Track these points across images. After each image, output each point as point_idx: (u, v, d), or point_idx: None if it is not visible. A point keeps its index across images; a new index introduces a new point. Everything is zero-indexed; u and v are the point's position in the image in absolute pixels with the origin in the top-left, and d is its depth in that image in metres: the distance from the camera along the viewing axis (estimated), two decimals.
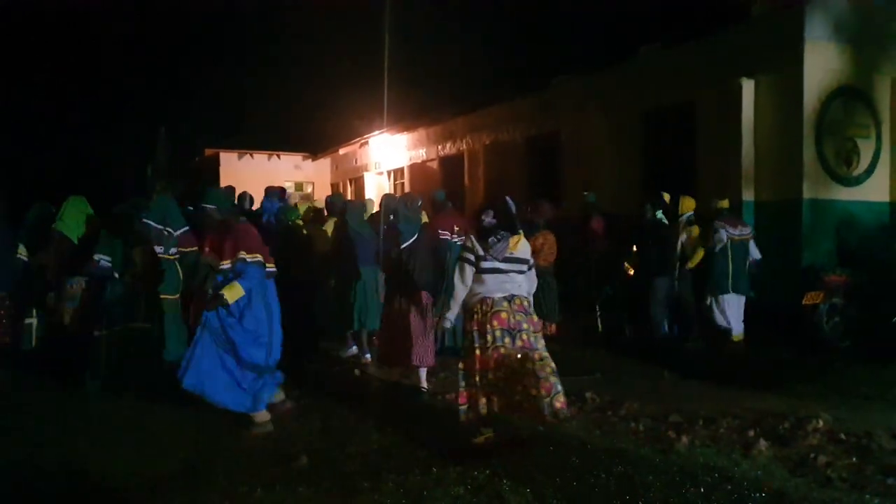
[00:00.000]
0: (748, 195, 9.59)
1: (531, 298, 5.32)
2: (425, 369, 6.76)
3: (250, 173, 20.54)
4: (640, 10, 13.71)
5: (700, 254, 8.61)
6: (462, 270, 5.14)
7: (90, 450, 5.17)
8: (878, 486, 4.32)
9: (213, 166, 22.18)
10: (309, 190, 23.01)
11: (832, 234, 9.33)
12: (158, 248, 7.03)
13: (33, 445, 5.35)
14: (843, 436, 5.20)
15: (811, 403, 6.09)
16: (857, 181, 9.57)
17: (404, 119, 18.41)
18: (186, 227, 7.37)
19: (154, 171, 11.39)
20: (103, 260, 6.84)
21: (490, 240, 5.11)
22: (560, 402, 4.82)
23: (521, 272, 5.20)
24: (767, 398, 6.34)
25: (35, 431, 5.69)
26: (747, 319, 8.86)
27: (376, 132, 19.44)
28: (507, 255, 5.11)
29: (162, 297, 7.06)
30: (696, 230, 8.68)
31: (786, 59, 9.27)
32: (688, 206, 8.86)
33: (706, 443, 5.12)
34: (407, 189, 18.53)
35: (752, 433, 5.29)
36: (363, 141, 20.44)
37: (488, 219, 5.20)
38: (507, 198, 5.34)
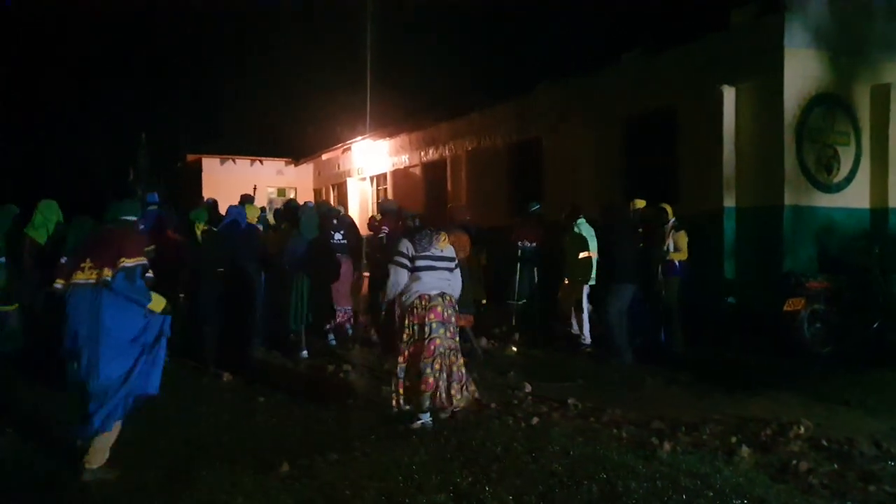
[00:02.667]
0: (729, 201, 9.63)
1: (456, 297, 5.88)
2: None
3: (233, 179, 20.42)
4: (621, 17, 13.77)
5: (682, 257, 8.64)
6: (396, 273, 5.66)
7: (68, 457, 5.08)
8: (859, 493, 4.34)
9: (196, 172, 22.05)
10: (291, 195, 22.89)
11: (813, 241, 9.39)
12: None
13: (9, 453, 5.27)
14: (824, 442, 5.23)
15: (793, 410, 6.10)
16: (838, 188, 9.64)
17: (387, 125, 18.39)
18: (143, 226, 7.82)
19: (136, 176, 11.43)
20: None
21: (420, 235, 5.70)
22: (472, 387, 5.75)
23: (449, 269, 5.76)
24: (749, 404, 6.35)
25: (14, 439, 5.60)
26: (729, 326, 8.93)
27: (359, 138, 19.38)
28: (438, 252, 5.68)
29: None
30: (682, 236, 8.70)
31: (766, 67, 9.33)
32: (671, 212, 8.91)
33: (689, 449, 5.11)
34: (390, 195, 18.49)
35: (734, 439, 5.30)
36: (346, 146, 20.37)
37: (417, 217, 5.72)
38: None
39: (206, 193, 19.42)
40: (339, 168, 21.53)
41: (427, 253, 5.64)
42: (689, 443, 5.27)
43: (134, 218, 5.39)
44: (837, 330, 8.50)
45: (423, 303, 5.58)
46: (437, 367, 5.53)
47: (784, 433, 5.41)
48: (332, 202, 21.31)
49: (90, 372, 4.77)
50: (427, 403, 5.56)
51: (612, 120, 11.57)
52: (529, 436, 5.43)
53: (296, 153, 23.18)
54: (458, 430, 5.53)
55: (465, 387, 5.68)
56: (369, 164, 19.64)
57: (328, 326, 9.43)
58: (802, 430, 5.44)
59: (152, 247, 8.08)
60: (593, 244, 9.22)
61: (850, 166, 9.73)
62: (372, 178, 19.89)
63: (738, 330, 8.97)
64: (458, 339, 5.78)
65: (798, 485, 4.44)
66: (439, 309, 5.60)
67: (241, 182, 18.29)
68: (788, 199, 9.18)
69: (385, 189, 19.01)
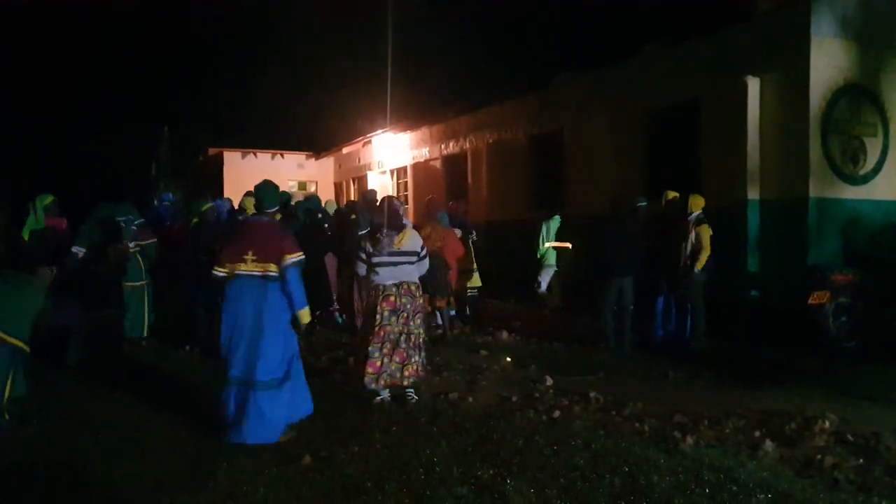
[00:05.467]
0: (753, 194, 9.52)
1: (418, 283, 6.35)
2: None
3: (253, 172, 20.49)
4: (643, 7, 13.65)
5: (706, 254, 8.49)
6: (357, 266, 6.34)
7: (93, 449, 5.14)
8: (885, 487, 4.28)
9: (217, 165, 22.19)
10: (312, 189, 23.00)
11: (838, 233, 9.25)
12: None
13: (35, 446, 5.32)
14: (849, 437, 5.17)
15: (817, 404, 6.04)
16: (864, 180, 9.48)
17: (407, 118, 18.38)
18: (142, 220, 8.74)
19: (158, 169, 11.72)
20: (79, 250, 7.67)
21: (378, 236, 6.13)
22: (409, 371, 6.09)
23: (410, 262, 6.21)
24: (773, 398, 6.29)
25: (36, 431, 5.65)
26: (753, 319, 8.84)
27: (379, 131, 19.41)
28: (394, 249, 6.13)
29: (126, 284, 8.50)
30: (706, 229, 8.55)
31: (792, 57, 9.19)
32: (697, 203, 8.71)
33: (711, 443, 5.08)
34: (410, 188, 18.52)
35: (757, 434, 5.25)
36: (366, 140, 20.41)
37: (378, 219, 6.22)
38: (394, 200, 6.40)
39: (227, 187, 19.58)
40: (359, 161, 21.57)
41: (384, 252, 6.13)
42: (711, 436, 5.23)
43: (275, 209, 5.72)
44: (862, 324, 8.39)
45: (378, 292, 6.16)
46: (385, 351, 6.05)
47: (809, 427, 5.35)
48: (352, 195, 21.41)
49: (253, 363, 5.22)
50: (371, 384, 6.03)
51: (634, 111, 11.48)
52: (551, 429, 5.43)
53: (317, 147, 23.26)
54: (480, 422, 5.53)
55: (418, 367, 6.18)
56: (390, 157, 19.65)
57: (332, 308, 9.85)
58: (827, 424, 5.38)
59: (153, 240, 8.94)
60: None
61: (877, 158, 9.57)
62: (392, 172, 19.90)
63: (762, 323, 8.87)
64: (417, 322, 6.20)
65: (823, 479, 4.40)
66: (392, 298, 6.11)
67: (261, 176, 18.35)
68: (813, 192, 9.05)
69: (405, 182, 19.02)
